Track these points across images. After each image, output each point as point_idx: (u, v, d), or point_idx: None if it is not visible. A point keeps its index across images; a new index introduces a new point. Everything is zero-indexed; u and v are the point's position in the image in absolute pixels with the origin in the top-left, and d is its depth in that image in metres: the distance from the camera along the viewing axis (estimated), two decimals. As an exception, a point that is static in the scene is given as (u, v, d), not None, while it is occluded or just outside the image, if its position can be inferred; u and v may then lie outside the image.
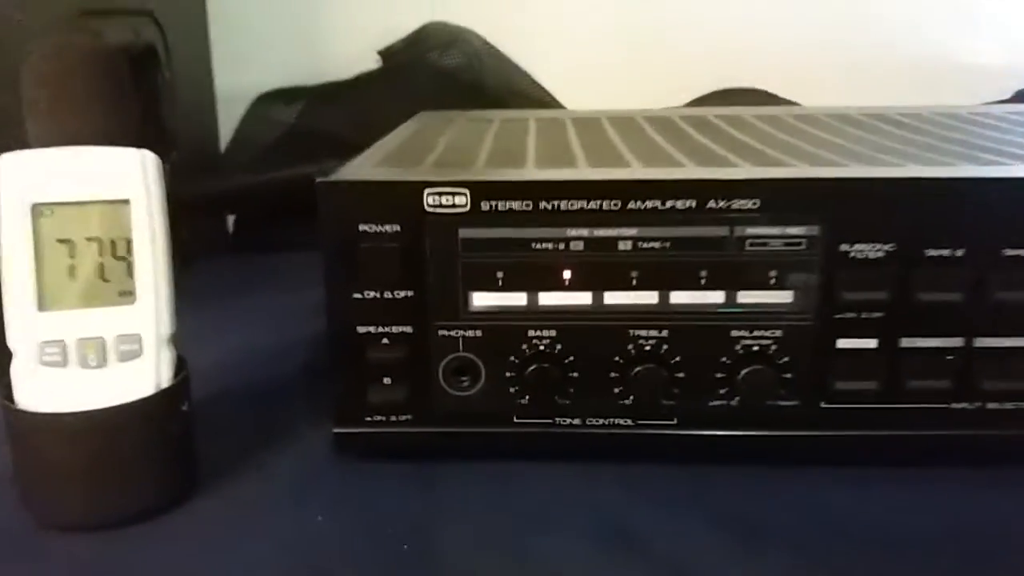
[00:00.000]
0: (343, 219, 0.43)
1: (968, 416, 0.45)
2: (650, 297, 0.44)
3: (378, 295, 0.44)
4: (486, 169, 0.47)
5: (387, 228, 0.43)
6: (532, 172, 0.46)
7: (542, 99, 1.03)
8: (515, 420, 0.46)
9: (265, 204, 0.98)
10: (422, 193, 0.43)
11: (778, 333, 0.44)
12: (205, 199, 0.92)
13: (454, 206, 0.43)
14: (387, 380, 0.46)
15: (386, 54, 1.05)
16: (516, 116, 0.72)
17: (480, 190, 0.42)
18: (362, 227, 0.43)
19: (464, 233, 0.43)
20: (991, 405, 0.45)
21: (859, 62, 1.02)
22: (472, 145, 0.55)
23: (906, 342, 0.44)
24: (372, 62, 1.04)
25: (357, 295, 0.44)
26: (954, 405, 0.45)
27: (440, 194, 0.43)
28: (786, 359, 0.44)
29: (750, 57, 1.03)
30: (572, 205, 0.42)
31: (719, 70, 1.02)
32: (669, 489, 0.44)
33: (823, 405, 0.45)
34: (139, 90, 0.45)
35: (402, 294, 0.44)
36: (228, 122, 1.04)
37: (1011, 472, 0.45)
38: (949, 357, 0.44)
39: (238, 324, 0.69)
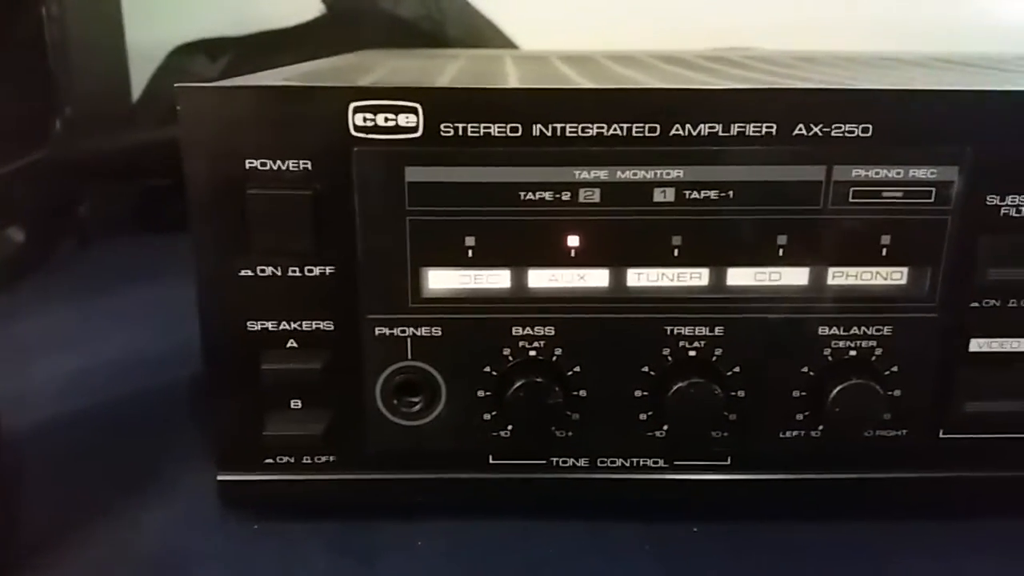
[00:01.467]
0: (220, 150, 0.27)
1: None
2: (697, 276, 0.29)
3: (278, 272, 0.28)
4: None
5: (290, 165, 0.27)
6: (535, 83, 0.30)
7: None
8: (491, 461, 0.31)
9: (172, 168, 0.82)
10: (347, 109, 0.27)
11: (886, 331, 0.30)
12: (103, 160, 0.75)
13: (398, 130, 0.27)
14: (295, 404, 0.30)
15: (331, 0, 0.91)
16: (488, 54, 0.56)
17: (439, 105, 0.27)
18: (250, 163, 0.27)
19: (414, 174, 0.27)
20: None
21: (870, 23, 0.90)
22: (430, 69, 0.39)
23: (1073, 343, 0.30)
24: (315, 10, 0.89)
25: (245, 272, 0.28)
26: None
27: (376, 110, 0.27)
28: (894, 369, 0.30)
29: (742, 14, 0.89)
30: (584, 130, 0.27)
31: (706, 28, 0.89)
32: (722, 561, 0.30)
33: (943, 435, 0.31)
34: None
35: (316, 271, 0.28)
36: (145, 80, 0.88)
37: None
38: None
39: (130, 320, 0.52)
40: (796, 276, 0.29)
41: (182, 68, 0.90)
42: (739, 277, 0.29)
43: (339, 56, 0.51)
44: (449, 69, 0.39)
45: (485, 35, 0.93)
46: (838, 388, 0.29)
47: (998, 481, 0.31)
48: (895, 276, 0.29)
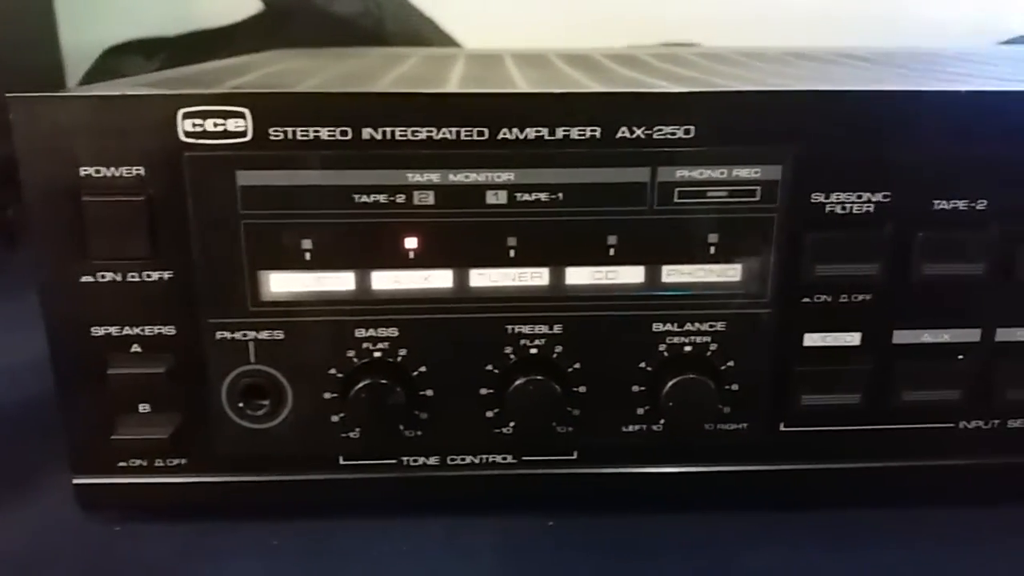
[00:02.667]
0: (54, 159, 0.27)
1: (982, 438, 0.32)
2: (538, 276, 0.30)
3: (117, 278, 0.29)
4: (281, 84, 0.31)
5: (123, 172, 0.27)
6: (356, 87, 0.31)
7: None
8: (341, 462, 0.31)
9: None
10: (176, 116, 0.27)
11: (720, 327, 0.30)
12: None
13: (227, 134, 0.27)
14: (144, 407, 0.30)
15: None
16: (403, 52, 0.56)
17: (268, 109, 0.27)
18: (84, 171, 0.27)
19: (245, 178, 0.28)
20: (1014, 423, 0.32)
21: (818, 17, 0.91)
22: (308, 69, 0.39)
23: (902, 336, 0.31)
24: (253, 8, 0.88)
25: (86, 278, 0.29)
26: (963, 424, 0.32)
27: (204, 116, 0.27)
28: (731, 364, 0.31)
29: (688, 9, 0.90)
30: (414, 133, 0.28)
31: (651, 24, 0.90)
32: (570, 554, 0.30)
33: (783, 428, 0.32)
34: None
35: (155, 275, 0.29)
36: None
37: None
38: (960, 357, 0.31)
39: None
40: (632, 274, 0.30)
41: (115, 69, 0.89)
42: (577, 276, 0.30)
43: (244, 56, 0.52)
44: (334, 66, 0.39)
45: (424, 32, 0.93)
46: (671, 383, 0.30)
47: (837, 472, 0.32)
48: (729, 273, 0.30)
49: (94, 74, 0.87)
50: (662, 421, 0.31)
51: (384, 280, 0.29)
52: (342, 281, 0.29)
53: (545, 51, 0.55)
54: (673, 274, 0.30)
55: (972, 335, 0.31)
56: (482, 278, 0.29)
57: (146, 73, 0.97)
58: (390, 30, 0.90)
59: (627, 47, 0.63)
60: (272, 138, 0.27)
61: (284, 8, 0.89)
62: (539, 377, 0.29)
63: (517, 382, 0.29)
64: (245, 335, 0.29)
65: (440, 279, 0.29)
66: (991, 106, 0.29)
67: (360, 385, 0.29)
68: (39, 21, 0.84)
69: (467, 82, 0.35)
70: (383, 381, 0.29)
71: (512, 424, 0.31)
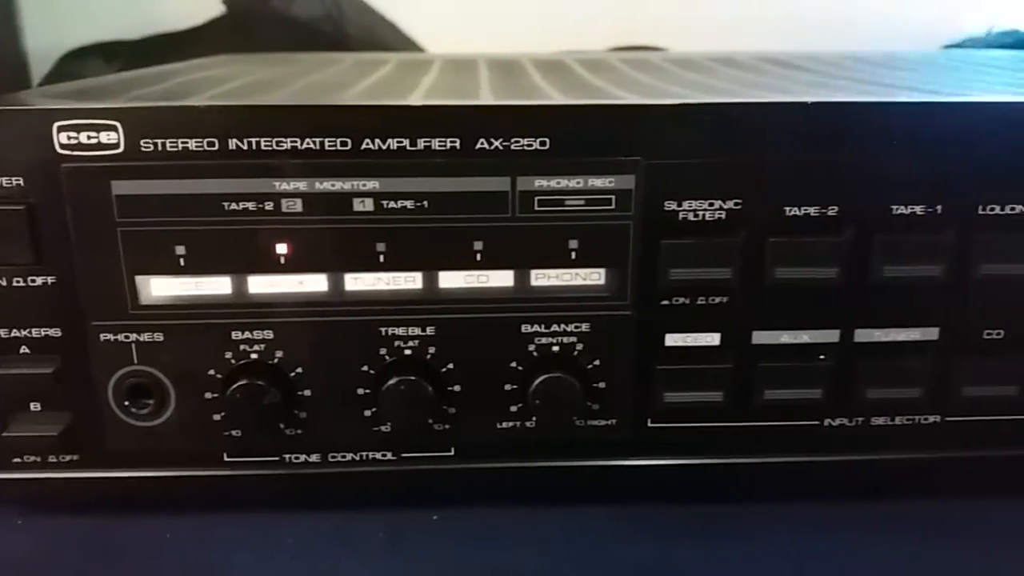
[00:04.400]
0: (-61, 169, 0.29)
1: (847, 435, 0.33)
2: (411, 280, 0.31)
3: (3, 283, 0.30)
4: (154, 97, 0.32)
5: (3, 182, 0.29)
6: (230, 99, 0.32)
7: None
8: (225, 459, 0.33)
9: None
10: (52, 129, 0.28)
11: (585, 328, 0.32)
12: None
13: (101, 146, 0.28)
14: (35, 406, 0.31)
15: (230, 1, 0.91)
16: (338, 58, 0.57)
17: (138, 122, 0.28)
18: (-33, 181, 0.29)
19: (120, 188, 0.29)
20: (877, 420, 0.33)
21: (778, 17, 0.92)
22: (229, 76, 0.40)
23: (761, 337, 0.32)
24: (216, 11, 0.89)
25: (-26, 283, 0.30)
26: (828, 422, 0.33)
27: (78, 129, 0.28)
28: (597, 363, 0.32)
29: (649, 9, 0.91)
30: (279, 144, 0.29)
31: (612, 25, 0.90)
32: (449, 546, 0.32)
33: (651, 424, 0.33)
34: None
35: (40, 281, 0.30)
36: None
37: (904, 509, 0.33)
38: (821, 356, 0.32)
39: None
40: (502, 278, 0.31)
41: (74, 72, 0.90)
42: (450, 280, 0.31)
43: (193, 60, 0.53)
44: (253, 74, 0.41)
45: (384, 36, 0.94)
46: (537, 381, 0.31)
47: (704, 467, 0.33)
48: (593, 277, 0.31)
49: (52, 77, 0.88)
50: (535, 418, 0.32)
51: (260, 284, 0.31)
52: (219, 285, 0.30)
53: (476, 56, 0.56)
54: (541, 278, 0.31)
55: (831, 335, 0.32)
56: (356, 282, 0.31)
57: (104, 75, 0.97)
58: (351, 34, 0.92)
59: (560, 52, 0.64)
60: (143, 149, 0.29)
61: (245, 11, 0.90)
62: (411, 377, 0.31)
63: (389, 382, 0.31)
64: (127, 337, 0.31)
65: (315, 283, 0.31)
66: (838, 115, 0.30)
67: (236, 385, 0.30)
68: (2, 24, 0.85)
69: (376, 88, 0.37)
70: (259, 382, 0.31)
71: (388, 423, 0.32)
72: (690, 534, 0.32)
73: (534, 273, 0.31)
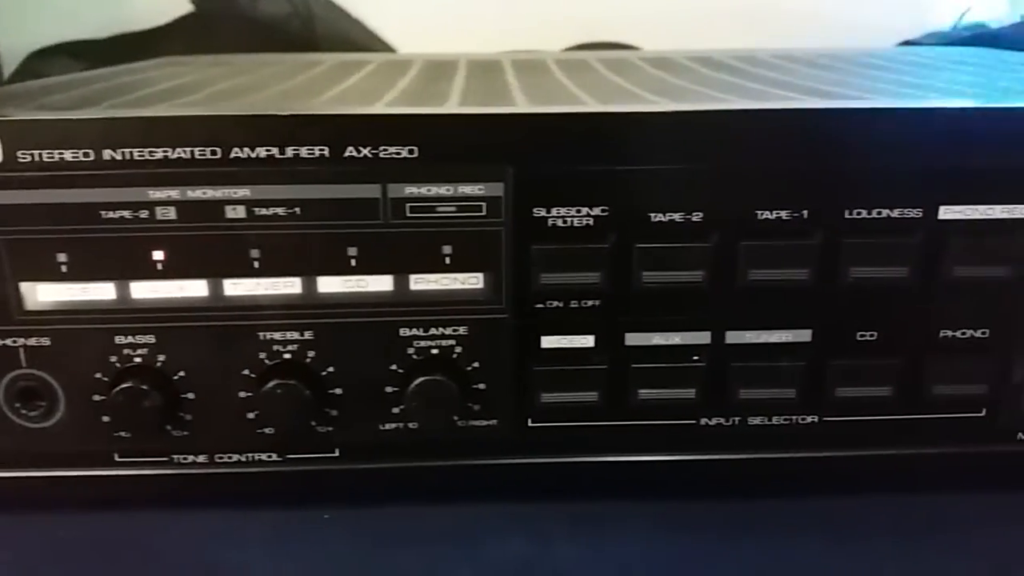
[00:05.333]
0: None
1: (723, 435, 0.34)
2: (290, 285, 0.32)
3: None
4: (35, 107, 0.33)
5: None
6: (104, 110, 0.32)
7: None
8: (116, 459, 0.33)
9: None
10: (-72, 140, 0.29)
11: (462, 331, 0.32)
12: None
13: (-22, 158, 0.30)
14: (-72, 409, 0.32)
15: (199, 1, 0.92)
16: (275, 59, 0.58)
17: (15, 134, 0.29)
18: None
19: (1, 198, 0.30)
20: (753, 420, 0.34)
21: (739, 15, 0.92)
22: (145, 83, 0.41)
23: (633, 339, 0.33)
24: (183, 10, 0.90)
25: None
26: (704, 421, 0.34)
27: (-46, 140, 0.29)
28: (476, 365, 0.33)
29: (615, 6, 0.91)
30: (152, 153, 0.30)
31: (580, 21, 0.91)
32: (335, 546, 0.33)
33: (531, 424, 0.34)
34: None
35: (-74, 287, 0.31)
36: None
37: (782, 509, 0.34)
38: (695, 357, 0.33)
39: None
40: (381, 283, 0.32)
41: (41, 71, 0.91)
42: (329, 285, 0.32)
43: (130, 65, 0.53)
44: (177, 80, 0.42)
45: (353, 35, 0.95)
46: (414, 384, 0.32)
47: (584, 465, 0.34)
48: (471, 281, 0.32)
49: (17, 76, 0.89)
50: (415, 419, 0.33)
51: (142, 290, 0.31)
52: (103, 291, 0.31)
53: (413, 58, 0.57)
54: (420, 282, 0.32)
55: (702, 337, 0.33)
56: (236, 287, 0.31)
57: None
58: (319, 33, 0.92)
59: (500, 53, 0.64)
60: (21, 160, 0.29)
61: (211, 11, 0.91)
62: (288, 381, 0.31)
63: (267, 386, 0.31)
64: (15, 342, 0.31)
65: (195, 288, 0.31)
66: (700, 123, 0.31)
67: (117, 389, 0.31)
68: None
69: (296, 89, 0.37)
70: (142, 386, 0.31)
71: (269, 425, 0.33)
72: (569, 532, 0.33)
73: (413, 278, 0.32)
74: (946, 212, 0.31)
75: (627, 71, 0.45)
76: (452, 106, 0.33)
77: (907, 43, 0.94)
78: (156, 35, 0.91)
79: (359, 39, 0.94)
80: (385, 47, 0.95)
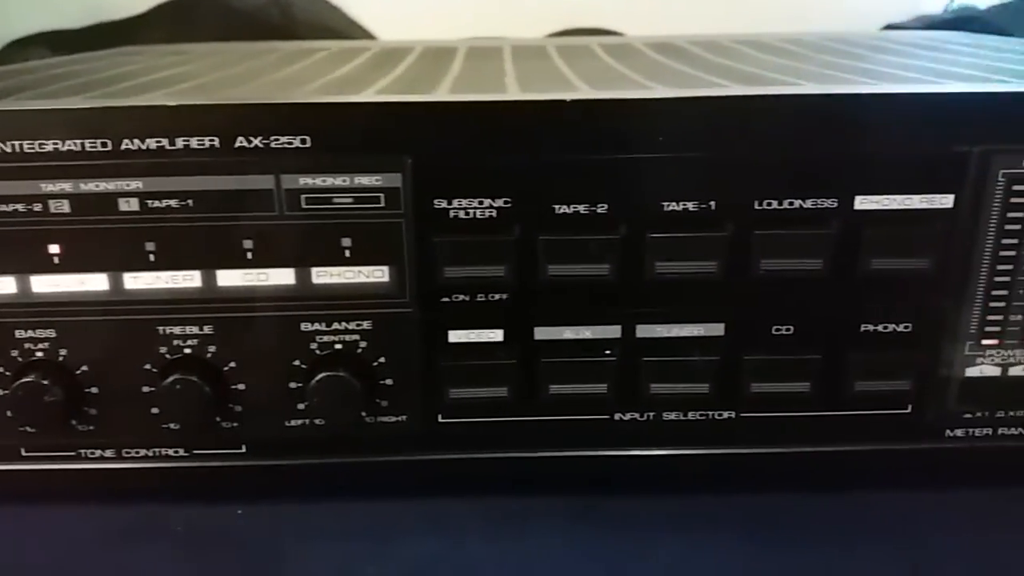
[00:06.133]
0: None
1: (637, 430, 0.33)
2: (190, 279, 0.31)
3: None
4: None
5: None
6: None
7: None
8: (23, 454, 0.33)
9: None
10: None
11: (366, 325, 0.32)
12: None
13: None
14: None
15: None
16: (224, 48, 0.58)
17: (-100, 126, 0.29)
18: None
19: None
20: (669, 415, 0.33)
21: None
22: (58, 76, 0.41)
23: (543, 333, 0.32)
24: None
25: None
26: (619, 416, 0.33)
27: None
28: (382, 360, 0.32)
29: None
30: (42, 146, 0.29)
31: (563, 7, 0.90)
32: (243, 542, 0.32)
33: (441, 420, 0.33)
34: None
35: None
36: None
37: (699, 506, 0.33)
38: (607, 352, 0.32)
39: None
40: (283, 276, 0.31)
41: (20, 61, 0.91)
42: (230, 278, 0.31)
43: (84, 54, 0.53)
44: (109, 72, 0.41)
45: (332, 23, 0.94)
46: (314, 380, 0.31)
47: (495, 461, 0.33)
48: (376, 275, 0.31)
49: (-5, 69, 0.89)
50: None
51: (43, 284, 0.31)
52: (2, 285, 0.31)
53: (365, 46, 0.56)
54: (322, 276, 0.31)
55: (613, 331, 0.32)
56: (136, 281, 0.31)
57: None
58: (299, 19, 0.92)
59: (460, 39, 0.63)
60: (-88, 153, 0.29)
61: (191, 1, 0.91)
62: (187, 377, 0.31)
63: (166, 381, 0.31)
64: (-87, 337, 0.31)
65: (95, 282, 0.31)
66: (601, 113, 0.30)
67: (17, 383, 0.31)
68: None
69: (228, 80, 0.37)
70: (44, 380, 0.31)
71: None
72: (481, 528, 0.33)
73: (315, 271, 0.31)
74: (862, 202, 0.30)
75: (578, 59, 0.44)
76: (370, 94, 0.33)
77: (891, 27, 0.93)
78: (135, 24, 0.90)
79: (339, 27, 0.94)
80: (365, 34, 0.94)
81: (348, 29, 0.93)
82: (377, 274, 0.31)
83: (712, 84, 0.33)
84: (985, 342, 0.32)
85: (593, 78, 0.36)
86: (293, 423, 0.33)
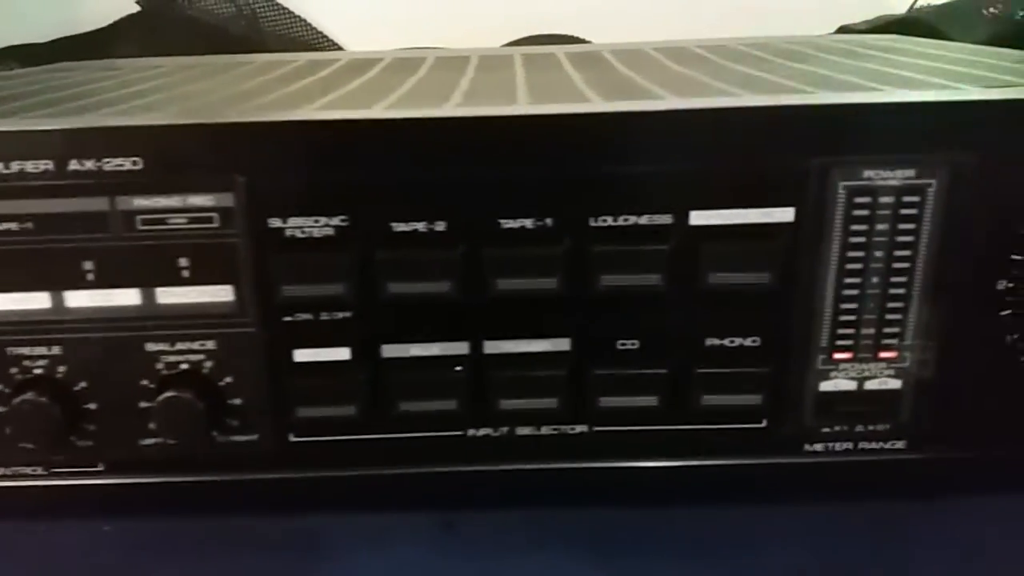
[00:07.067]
0: None
1: (491, 446, 0.33)
2: (38, 300, 0.31)
3: None
4: None
5: None
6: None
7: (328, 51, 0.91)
8: None
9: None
10: None
11: (211, 345, 0.32)
12: None
13: None
14: None
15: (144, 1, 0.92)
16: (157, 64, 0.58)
17: None
18: None
19: None
20: (523, 431, 0.33)
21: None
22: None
23: (390, 350, 0.32)
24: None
25: None
26: (472, 432, 0.33)
27: None
28: (229, 380, 0.32)
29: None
30: None
31: (527, 14, 0.90)
32: (97, 556, 0.32)
33: (292, 439, 0.33)
34: None
35: None
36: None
37: (553, 521, 0.33)
38: (457, 368, 0.32)
39: None
40: (128, 297, 0.31)
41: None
42: (77, 299, 0.31)
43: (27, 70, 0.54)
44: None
45: (299, 34, 0.95)
46: (161, 399, 0.31)
47: (348, 480, 0.33)
48: (221, 294, 0.31)
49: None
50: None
51: None
52: None
53: (298, 57, 0.56)
54: (167, 296, 0.31)
55: (461, 348, 0.32)
56: (-16, 302, 0.31)
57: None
58: (266, 32, 0.92)
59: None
60: None
61: (156, 12, 0.91)
62: (36, 397, 0.31)
63: (15, 401, 0.31)
64: None
65: (-58, 304, 0.31)
66: (434, 131, 0.30)
67: None
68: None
69: (121, 98, 0.37)
70: None
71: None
72: (335, 546, 0.33)
73: (159, 291, 0.31)
74: (697, 218, 0.30)
75: (494, 71, 0.44)
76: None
77: (844, 29, 0.92)
78: (101, 37, 0.91)
79: (306, 39, 0.94)
80: (333, 46, 0.95)
81: (316, 41, 0.94)
82: (221, 294, 0.31)
83: (555, 99, 0.33)
84: (838, 356, 0.32)
85: (475, 91, 0.36)
86: (147, 442, 0.33)
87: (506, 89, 0.37)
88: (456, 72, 0.43)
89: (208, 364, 0.32)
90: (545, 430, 0.33)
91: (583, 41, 0.88)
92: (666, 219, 0.30)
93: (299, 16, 0.93)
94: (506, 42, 0.90)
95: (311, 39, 0.94)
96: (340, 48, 0.92)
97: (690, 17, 0.90)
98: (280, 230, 0.30)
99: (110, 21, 0.89)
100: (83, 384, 0.32)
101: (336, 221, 0.30)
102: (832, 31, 0.87)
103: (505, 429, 0.33)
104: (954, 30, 0.71)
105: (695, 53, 0.49)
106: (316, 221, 0.30)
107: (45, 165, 0.29)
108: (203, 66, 0.52)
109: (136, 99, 0.37)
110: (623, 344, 0.32)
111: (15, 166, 0.29)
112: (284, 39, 0.92)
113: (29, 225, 0.30)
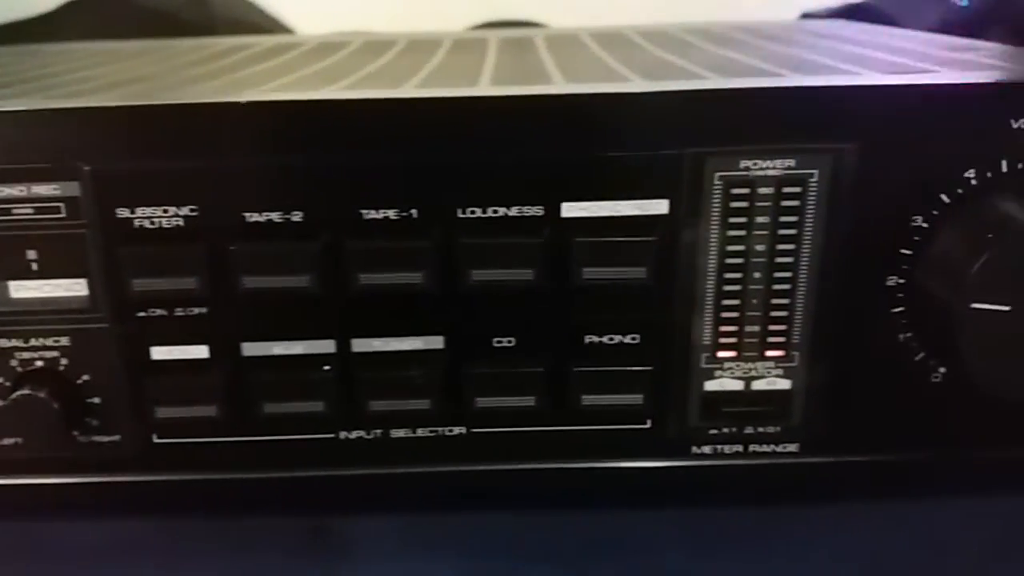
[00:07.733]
0: None
1: (362, 448, 0.32)
2: None
3: None
4: None
5: None
6: None
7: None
8: None
9: None
10: None
11: (65, 342, 0.30)
12: None
13: None
14: None
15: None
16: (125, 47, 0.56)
17: None
18: None
19: None
20: (397, 432, 0.32)
21: None
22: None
23: (251, 348, 0.30)
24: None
25: None
26: (344, 435, 0.32)
27: None
28: (86, 378, 0.31)
29: None
30: None
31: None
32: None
33: (156, 440, 0.32)
34: None
35: None
36: None
37: (431, 524, 0.32)
38: (326, 367, 0.31)
39: None
40: (-28, 289, 0.30)
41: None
42: (-75, 293, 0.30)
43: None
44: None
45: (251, 19, 0.93)
46: (12, 397, 0.30)
47: (213, 483, 0.32)
48: (75, 288, 0.30)
49: None
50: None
51: None
52: None
53: (240, 44, 0.54)
54: (20, 290, 0.30)
55: (327, 346, 0.30)
56: None
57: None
58: (217, 16, 0.90)
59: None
60: None
61: None
62: None
63: None
64: None
65: None
66: (289, 114, 0.28)
67: None
68: None
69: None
70: None
71: None
72: (200, 551, 0.31)
73: (12, 285, 0.30)
74: (569, 210, 0.29)
75: (372, 55, 0.43)
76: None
77: (807, 15, 0.91)
78: (45, 22, 0.89)
79: (258, 22, 0.93)
80: (285, 30, 0.93)
81: (268, 25, 0.92)
82: (76, 288, 0.30)
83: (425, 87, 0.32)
84: (722, 354, 0.31)
85: (379, 74, 0.35)
86: (6, 442, 0.31)
87: (409, 72, 0.35)
88: (375, 55, 0.42)
89: (64, 361, 0.30)
90: (421, 432, 0.31)
91: (539, 26, 0.87)
92: (537, 211, 0.29)
93: (251, 2, 0.92)
94: (470, 27, 0.89)
95: (264, 24, 0.92)
96: (292, 33, 0.91)
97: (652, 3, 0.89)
98: (128, 220, 0.29)
99: (55, 6, 0.88)
100: (-68, 383, 0.31)
101: (185, 211, 0.28)
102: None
103: (379, 432, 0.31)
104: (907, 17, 0.70)
105: (625, 38, 0.48)
106: (165, 211, 0.29)
107: None
108: (113, 52, 0.50)
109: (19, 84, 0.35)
110: (499, 341, 0.30)
111: None
112: (235, 24, 0.90)
113: None
